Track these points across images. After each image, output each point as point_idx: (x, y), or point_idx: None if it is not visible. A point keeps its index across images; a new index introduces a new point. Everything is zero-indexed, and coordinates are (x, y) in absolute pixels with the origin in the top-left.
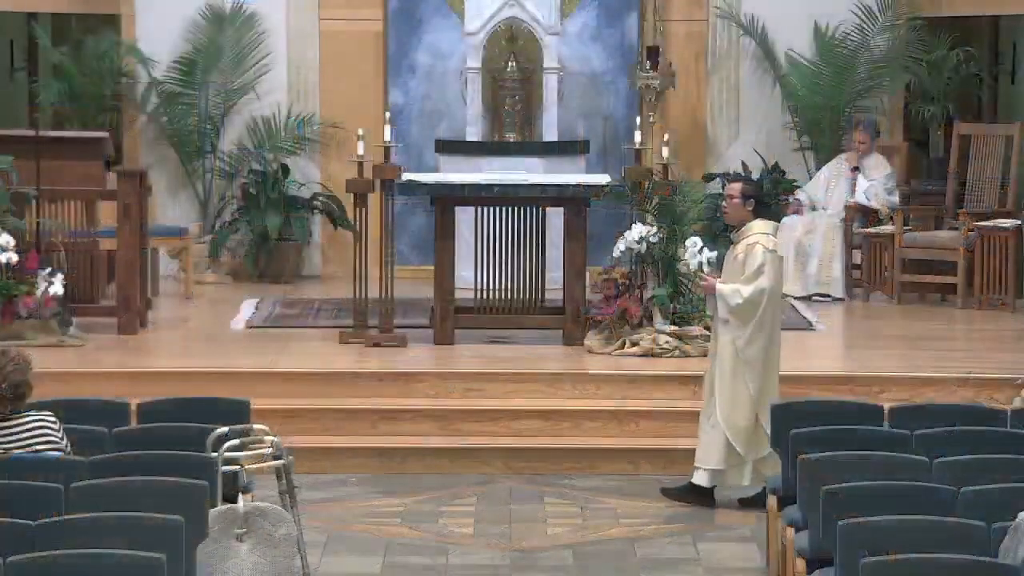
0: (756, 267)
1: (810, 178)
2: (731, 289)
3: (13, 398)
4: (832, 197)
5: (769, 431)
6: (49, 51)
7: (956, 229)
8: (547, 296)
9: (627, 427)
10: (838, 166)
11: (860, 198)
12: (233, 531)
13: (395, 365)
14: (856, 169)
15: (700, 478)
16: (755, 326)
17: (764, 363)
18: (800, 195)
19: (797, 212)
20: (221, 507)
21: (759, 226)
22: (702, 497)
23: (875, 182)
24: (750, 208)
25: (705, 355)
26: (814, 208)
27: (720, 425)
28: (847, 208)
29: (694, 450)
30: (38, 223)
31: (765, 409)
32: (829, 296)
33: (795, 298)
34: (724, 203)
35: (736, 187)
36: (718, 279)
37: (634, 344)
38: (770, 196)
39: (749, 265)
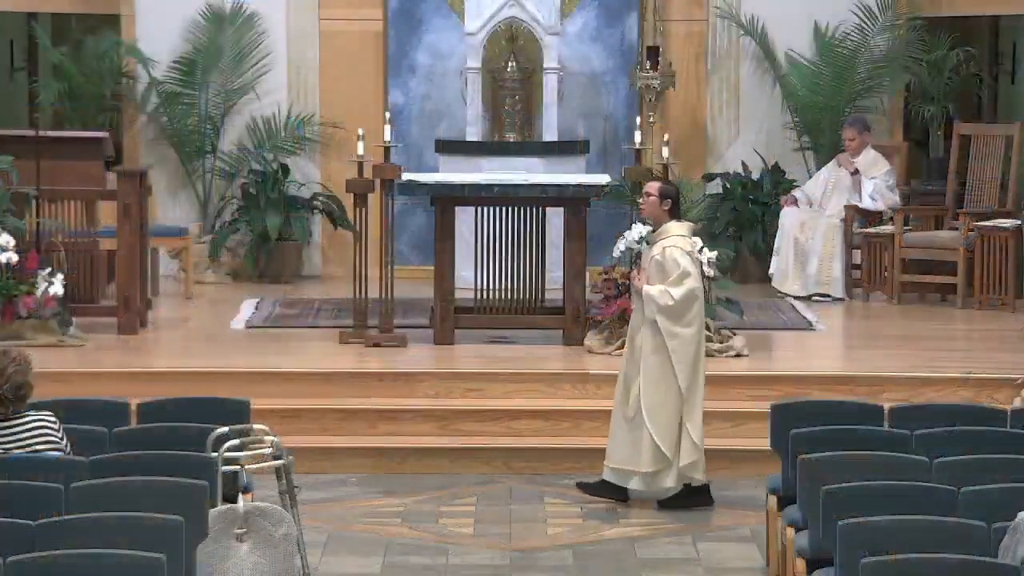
0: (680, 271)
1: (810, 177)
2: (659, 291)
3: (14, 399)
4: (831, 198)
5: (695, 436)
6: (49, 51)
7: (956, 229)
8: (547, 296)
9: None
10: (837, 169)
11: (867, 203)
12: (233, 531)
13: (395, 365)
14: (857, 172)
15: (618, 477)
16: (687, 325)
17: (693, 364)
18: (797, 193)
19: (793, 204)
20: (221, 507)
21: (675, 228)
22: (616, 493)
23: (877, 180)
24: (666, 208)
25: (707, 355)
26: (810, 205)
27: (646, 426)
28: (847, 208)
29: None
30: (38, 223)
31: (692, 411)
32: (829, 296)
33: (795, 298)
34: (641, 199)
35: (655, 186)
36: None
37: None
38: (769, 196)
39: (671, 268)
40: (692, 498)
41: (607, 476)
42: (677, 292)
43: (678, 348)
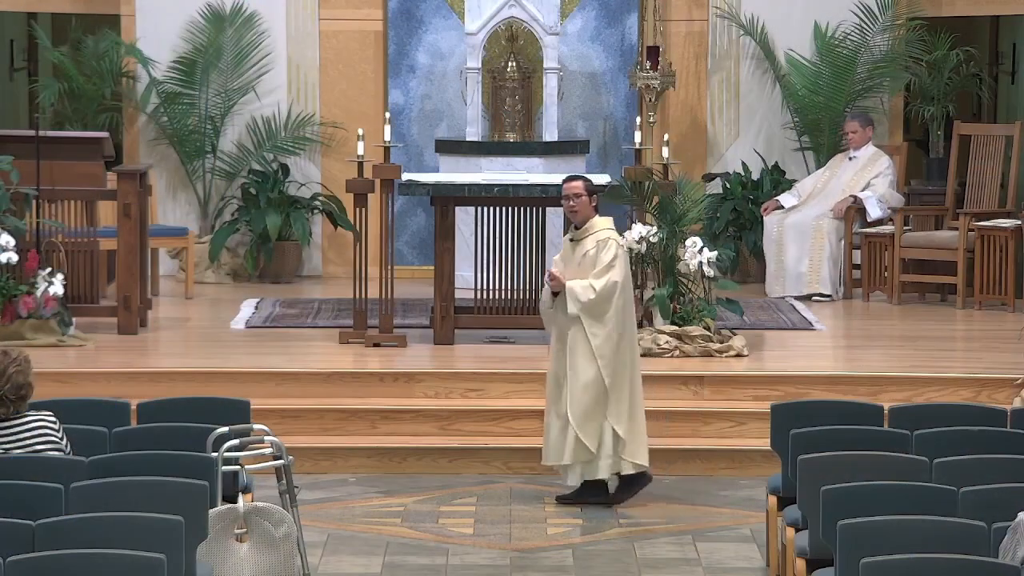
0: (608, 260)
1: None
2: (581, 285)
3: (15, 399)
4: (816, 199)
5: (620, 431)
6: (49, 51)
7: (956, 229)
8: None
9: None
10: (836, 169)
11: (876, 215)
12: (233, 531)
13: (395, 365)
14: (851, 158)
15: (567, 475)
16: (610, 321)
17: (618, 357)
18: (784, 196)
19: (776, 209)
20: (221, 507)
21: (603, 222)
22: (599, 492)
23: (877, 184)
24: (595, 204)
25: (707, 355)
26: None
27: (570, 422)
28: (847, 209)
29: (693, 450)
30: (38, 223)
31: (617, 407)
32: (829, 296)
33: (795, 298)
34: (571, 202)
35: (579, 185)
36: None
37: None
38: (769, 196)
39: (601, 259)
40: (633, 486)
41: (569, 480)
42: (599, 284)
43: (600, 345)
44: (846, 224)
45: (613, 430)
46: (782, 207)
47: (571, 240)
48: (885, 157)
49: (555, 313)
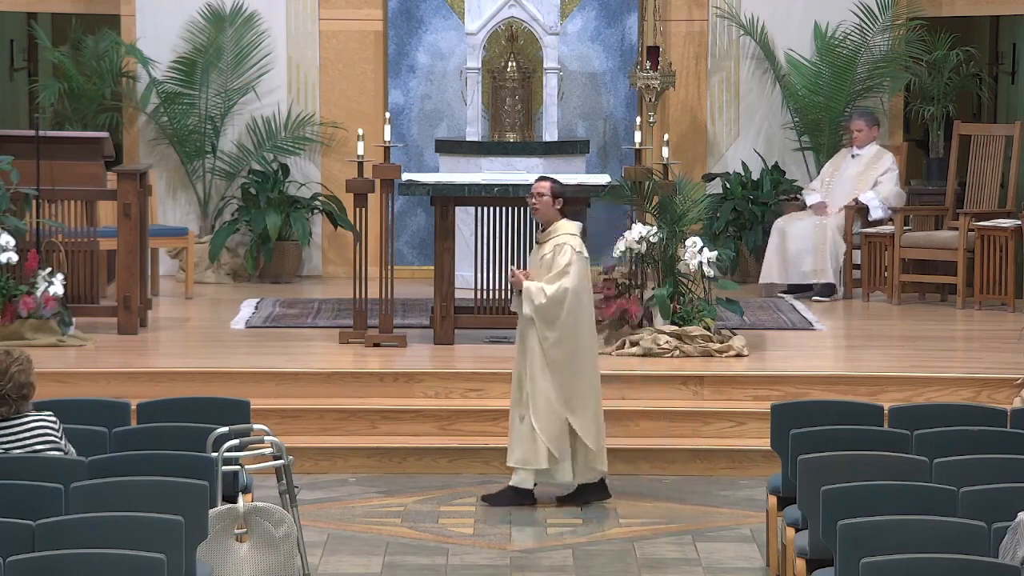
0: (562, 266)
1: (810, 178)
2: (536, 288)
3: (18, 398)
4: (829, 188)
5: (585, 435)
6: (49, 51)
7: (956, 229)
8: None
9: (627, 427)
10: (839, 164)
11: (879, 215)
12: (233, 531)
13: (395, 365)
14: (854, 155)
15: (520, 479)
16: (560, 326)
17: (572, 364)
18: (809, 196)
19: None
20: (221, 507)
21: (566, 226)
22: (523, 498)
23: (881, 186)
24: (559, 207)
25: (707, 355)
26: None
27: (533, 425)
28: (847, 209)
29: (693, 450)
30: (38, 223)
31: (580, 411)
32: (830, 296)
33: (794, 296)
34: (534, 200)
35: (545, 185)
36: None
37: (634, 344)
38: (769, 196)
39: (556, 264)
40: (587, 493)
41: (512, 481)
42: (550, 290)
43: (550, 349)
44: (846, 224)
45: (580, 439)
46: (807, 206)
47: (537, 242)
48: (888, 154)
49: (521, 313)
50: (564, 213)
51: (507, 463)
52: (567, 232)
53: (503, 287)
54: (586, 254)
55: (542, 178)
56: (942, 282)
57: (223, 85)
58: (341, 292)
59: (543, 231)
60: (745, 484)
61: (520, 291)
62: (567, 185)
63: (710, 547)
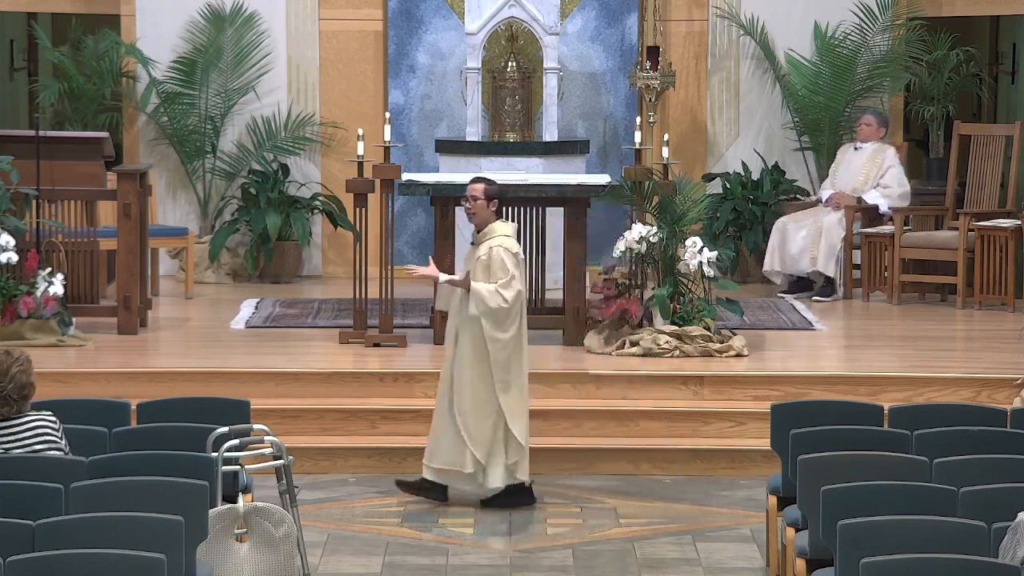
0: (510, 272)
1: (810, 178)
2: (489, 291)
3: (19, 399)
4: (837, 184)
5: (519, 435)
6: (49, 51)
7: (956, 229)
8: (547, 296)
9: (627, 427)
10: (842, 157)
11: (884, 208)
12: (233, 531)
13: (395, 365)
14: (857, 148)
15: (430, 472)
16: (510, 329)
17: (515, 367)
18: (824, 193)
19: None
20: (221, 507)
21: (501, 228)
22: (434, 493)
23: (891, 173)
24: (494, 208)
25: (707, 355)
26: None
27: (460, 429)
28: (848, 209)
29: (693, 450)
30: (38, 223)
31: (518, 414)
32: (829, 296)
33: (794, 297)
34: (468, 204)
35: (480, 188)
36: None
37: (634, 344)
38: (769, 196)
39: (499, 268)
40: (513, 497)
41: (428, 475)
42: (508, 294)
43: (497, 351)
44: (847, 224)
45: (508, 441)
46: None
47: (471, 243)
48: (890, 148)
49: (454, 313)
50: (499, 214)
51: (429, 463)
52: (502, 234)
53: None
54: (522, 255)
55: (476, 179)
56: (942, 282)
57: (223, 85)
58: (341, 292)
59: (478, 232)
60: (745, 484)
61: (438, 288)
62: (501, 186)
63: (710, 547)
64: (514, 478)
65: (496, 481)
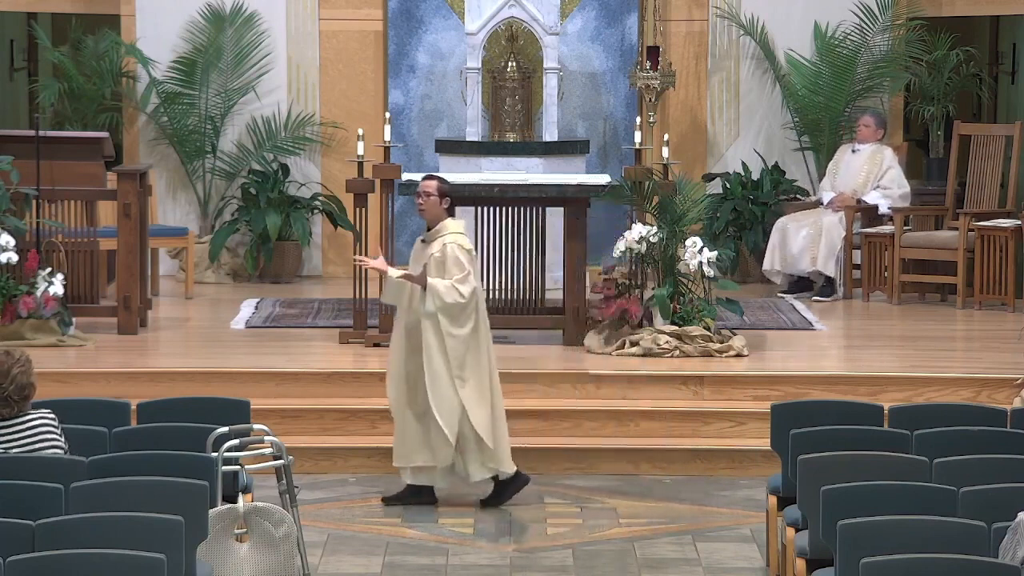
0: (465, 268)
1: (810, 178)
2: (446, 286)
3: (19, 400)
4: (837, 186)
5: (481, 430)
6: (49, 51)
7: (956, 229)
8: (547, 296)
9: (627, 427)
10: (840, 158)
11: (884, 208)
12: (233, 531)
13: None
14: (855, 150)
15: (409, 476)
16: (467, 324)
17: (471, 361)
18: (825, 195)
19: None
20: (221, 507)
21: (453, 225)
22: (424, 496)
23: (890, 174)
24: (446, 206)
25: (707, 355)
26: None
27: (437, 422)
28: (848, 210)
29: (693, 450)
30: (38, 223)
31: (477, 407)
32: (829, 295)
33: (794, 297)
34: (420, 200)
35: (432, 184)
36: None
37: (634, 344)
38: (769, 196)
39: (453, 264)
40: (508, 487)
41: (409, 479)
42: (465, 289)
43: (454, 346)
44: (847, 224)
45: (477, 435)
46: (825, 205)
47: (422, 240)
48: (888, 149)
49: (406, 309)
50: (451, 211)
51: (394, 463)
52: (454, 231)
53: (503, 287)
54: (474, 252)
55: (428, 177)
56: (942, 282)
57: (223, 85)
58: (341, 292)
59: (429, 230)
60: (745, 484)
61: (386, 283)
62: (454, 184)
63: (710, 547)
64: (494, 472)
65: (477, 475)
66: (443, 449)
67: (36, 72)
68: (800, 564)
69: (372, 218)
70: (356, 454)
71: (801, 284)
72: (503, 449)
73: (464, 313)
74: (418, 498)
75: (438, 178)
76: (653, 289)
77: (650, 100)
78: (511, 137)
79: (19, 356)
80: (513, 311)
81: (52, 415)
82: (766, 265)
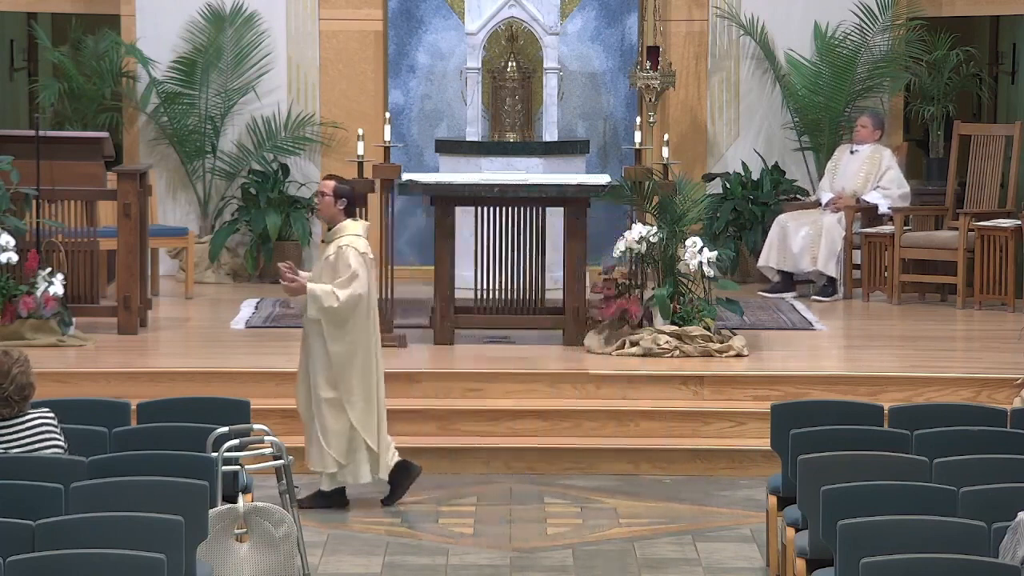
0: (351, 272)
1: (810, 178)
2: (324, 290)
3: (19, 400)
4: (835, 187)
5: (365, 432)
6: (49, 51)
7: (956, 229)
8: (547, 296)
9: (627, 427)
10: (839, 158)
11: (884, 208)
12: (233, 531)
13: (395, 365)
14: (853, 151)
15: (325, 482)
16: (351, 329)
17: (360, 370)
18: (824, 196)
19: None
20: (221, 507)
21: (351, 227)
22: (336, 499)
23: (889, 175)
24: (342, 207)
25: (707, 355)
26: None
27: (323, 427)
28: (848, 209)
29: (693, 450)
30: (38, 223)
31: (358, 408)
32: (830, 294)
33: (794, 297)
34: (316, 199)
35: (329, 185)
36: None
37: (634, 344)
38: (769, 196)
39: (342, 269)
40: (403, 483)
41: (323, 485)
42: (343, 295)
43: (339, 352)
44: (847, 224)
45: (365, 442)
46: (823, 205)
47: (323, 241)
48: (886, 150)
49: (303, 315)
50: (349, 213)
51: (310, 466)
52: (352, 233)
53: (503, 287)
54: (371, 255)
55: (328, 177)
56: (942, 282)
57: (223, 85)
58: None
59: (328, 231)
60: (745, 484)
61: (293, 293)
62: (352, 185)
63: (710, 547)
64: (384, 467)
65: (364, 477)
66: (331, 463)
67: (36, 72)
68: (800, 564)
69: (372, 218)
70: None
71: (786, 284)
72: (390, 454)
73: (349, 319)
74: (329, 501)
75: (336, 178)
76: (653, 289)
77: (650, 100)
78: (511, 137)
79: (18, 356)
80: (513, 311)
81: (52, 415)
82: (761, 261)
